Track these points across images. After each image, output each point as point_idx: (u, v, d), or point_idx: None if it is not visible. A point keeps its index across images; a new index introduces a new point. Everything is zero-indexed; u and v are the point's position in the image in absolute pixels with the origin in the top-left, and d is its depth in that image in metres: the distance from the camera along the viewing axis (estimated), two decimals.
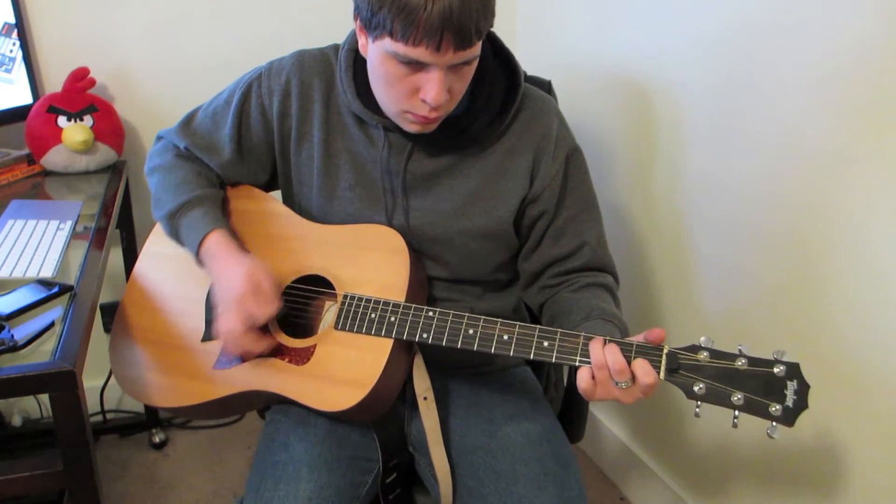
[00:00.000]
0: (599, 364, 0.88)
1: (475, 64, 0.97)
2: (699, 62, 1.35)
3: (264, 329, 1.05)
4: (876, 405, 1.12)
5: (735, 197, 1.31)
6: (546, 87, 1.28)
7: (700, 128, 1.37)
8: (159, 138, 1.25)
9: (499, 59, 1.07)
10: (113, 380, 1.23)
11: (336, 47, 1.13)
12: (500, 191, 1.09)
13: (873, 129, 1.06)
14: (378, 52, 0.94)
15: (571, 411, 1.26)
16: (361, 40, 0.99)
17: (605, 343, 0.90)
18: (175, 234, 1.13)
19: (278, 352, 1.06)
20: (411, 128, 1.01)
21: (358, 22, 0.97)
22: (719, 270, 1.39)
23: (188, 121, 1.20)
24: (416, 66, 0.92)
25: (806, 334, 1.22)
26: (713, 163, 1.35)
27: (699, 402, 0.86)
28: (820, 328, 1.19)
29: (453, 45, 0.90)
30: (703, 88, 1.35)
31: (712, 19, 1.30)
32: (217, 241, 1.08)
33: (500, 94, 1.07)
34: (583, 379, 0.90)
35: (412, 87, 0.95)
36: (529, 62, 1.43)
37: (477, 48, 0.94)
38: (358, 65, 1.08)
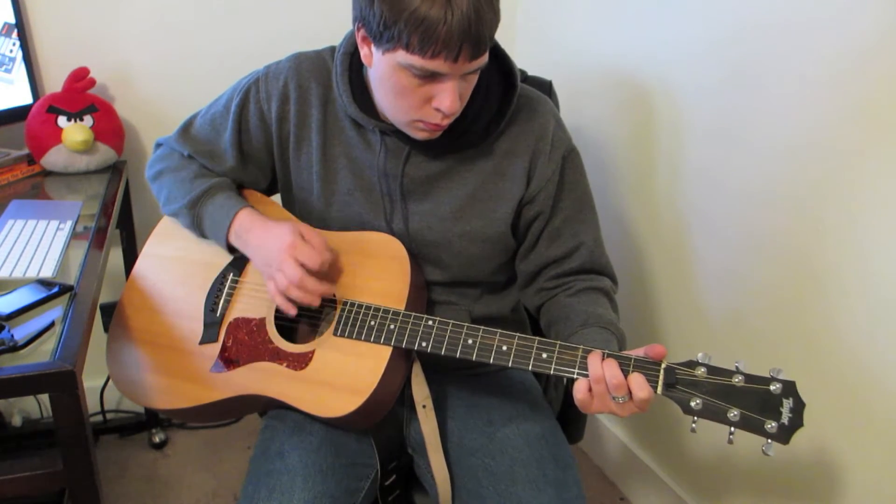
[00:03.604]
0: (597, 378, 0.89)
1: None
2: (700, 62, 1.35)
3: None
4: (875, 410, 1.12)
5: (735, 198, 1.31)
6: (547, 87, 1.28)
7: (701, 128, 1.37)
8: (158, 145, 1.25)
9: (495, 60, 1.07)
10: None
11: (333, 49, 1.12)
12: (497, 192, 1.09)
13: (875, 130, 1.06)
14: (388, 64, 0.93)
15: (571, 412, 1.26)
16: (365, 50, 0.98)
17: (603, 357, 0.90)
18: (198, 221, 1.13)
19: (277, 356, 1.06)
20: (420, 135, 1.01)
21: (362, 33, 0.96)
22: (719, 272, 1.39)
23: (186, 128, 1.20)
24: (431, 77, 0.92)
25: (806, 338, 1.22)
26: (714, 164, 1.35)
27: (696, 418, 0.87)
28: (820, 334, 1.19)
29: (470, 56, 0.90)
30: (703, 89, 1.35)
31: (713, 19, 1.30)
32: (249, 216, 1.09)
33: (496, 96, 1.06)
34: (580, 391, 0.90)
35: (424, 96, 0.95)
36: (529, 62, 1.43)
37: (487, 55, 0.94)
38: (354, 69, 1.07)
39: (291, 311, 1.04)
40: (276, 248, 1.03)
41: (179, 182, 1.15)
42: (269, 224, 1.08)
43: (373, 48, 0.95)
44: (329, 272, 1.08)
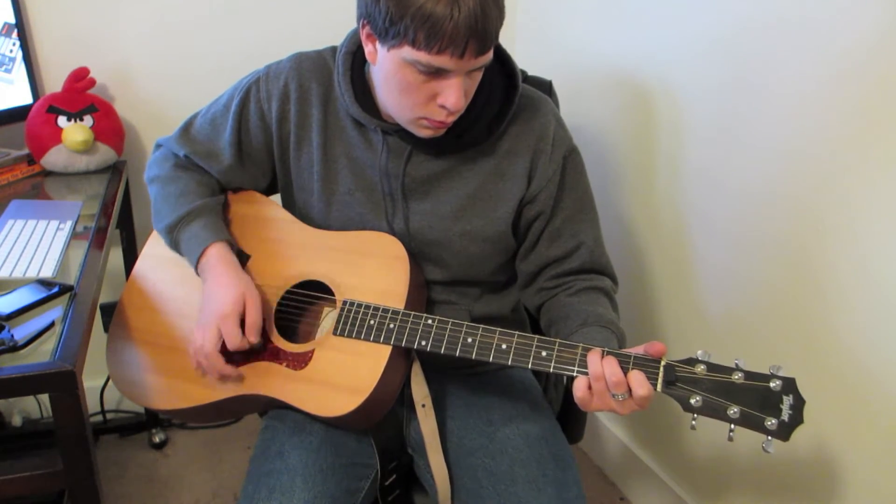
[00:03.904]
0: (597, 375, 0.89)
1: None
2: (700, 62, 1.35)
3: (231, 355, 1.05)
4: (875, 408, 1.12)
5: (735, 199, 1.31)
6: (547, 87, 1.28)
7: (701, 128, 1.37)
8: (158, 146, 1.25)
9: (497, 60, 1.07)
10: None
11: (333, 49, 1.12)
12: (498, 192, 1.09)
13: (875, 130, 1.06)
14: (394, 61, 0.93)
15: (571, 412, 1.27)
16: (369, 48, 0.98)
17: (603, 355, 0.90)
18: (175, 246, 1.13)
19: (276, 356, 1.06)
20: (424, 133, 1.01)
21: (367, 30, 0.96)
22: (719, 272, 1.39)
23: (186, 128, 1.19)
24: (436, 73, 0.93)
25: (805, 339, 1.22)
26: (714, 164, 1.35)
27: (695, 415, 0.87)
28: (819, 333, 1.19)
29: (476, 52, 0.90)
30: (703, 89, 1.35)
31: (713, 19, 1.30)
32: (216, 254, 1.08)
33: (498, 96, 1.07)
34: (579, 389, 0.90)
35: (429, 93, 0.95)
36: (529, 62, 1.43)
37: (492, 52, 0.95)
38: (355, 68, 1.07)
39: (192, 364, 1.06)
40: (214, 305, 1.03)
41: (164, 198, 1.15)
42: (224, 276, 1.06)
43: (378, 45, 0.95)
44: (328, 272, 1.08)
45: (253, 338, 1.04)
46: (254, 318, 1.04)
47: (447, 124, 1.00)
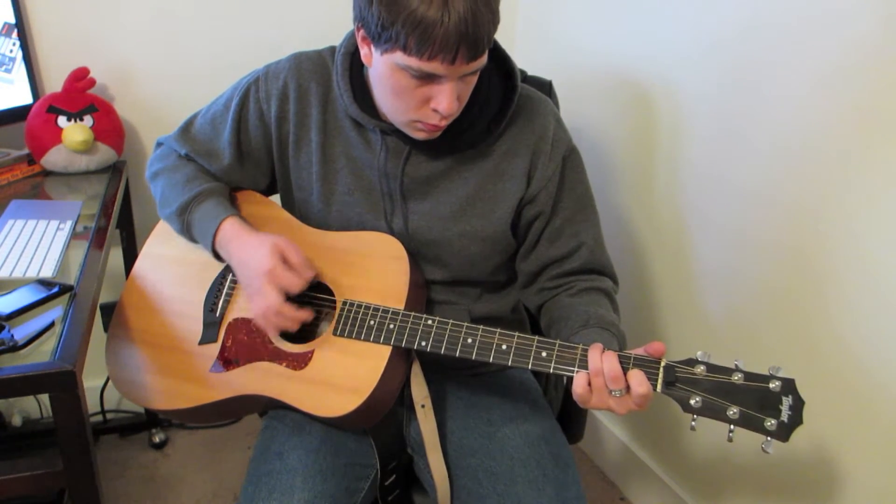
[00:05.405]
0: (596, 370, 0.89)
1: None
2: (700, 63, 1.35)
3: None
4: (874, 408, 1.12)
5: (736, 199, 1.31)
6: (547, 87, 1.28)
7: (701, 129, 1.37)
8: (159, 145, 1.25)
9: (495, 60, 1.07)
10: None
11: (333, 49, 1.13)
12: (497, 193, 1.09)
13: (875, 131, 1.06)
14: (387, 65, 0.94)
15: (571, 412, 1.27)
16: (364, 50, 0.98)
17: (603, 350, 0.90)
18: (187, 228, 1.13)
19: (276, 356, 1.06)
20: (419, 135, 1.01)
21: (361, 33, 0.96)
22: (719, 272, 1.39)
23: (187, 127, 1.20)
24: (429, 78, 0.92)
25: (804, 339, 1.22)
26: (714, 164, 1.35)
27: (695, 416, 0.87)
28: (819, 334, 1.19)
29: (467, 58, 0.90)
30: (704, 89, 1.35)
31: (713, 20, 1.30)
32: (232, 226, 1.09)
33: (497, 96, 1.07)
34: (579, 384, 0.90)
35: (423, 97, 0.95)
36: (529, 62, 1.43)
37: (486, 56, 0.94)
38: (354, 69, 1.08)
39: (271, 333, 1.05)
40: (255, 270, 1.03)
41: (172, 185, 1.15)
42: (249, 240, 1.07)
43: (372, 49, 0.96)
44: (328, 272, 1.08)
45: (308, 272, 1.04)
46: (298, 257, 1.04)
47: (441, 128, 1.00)
